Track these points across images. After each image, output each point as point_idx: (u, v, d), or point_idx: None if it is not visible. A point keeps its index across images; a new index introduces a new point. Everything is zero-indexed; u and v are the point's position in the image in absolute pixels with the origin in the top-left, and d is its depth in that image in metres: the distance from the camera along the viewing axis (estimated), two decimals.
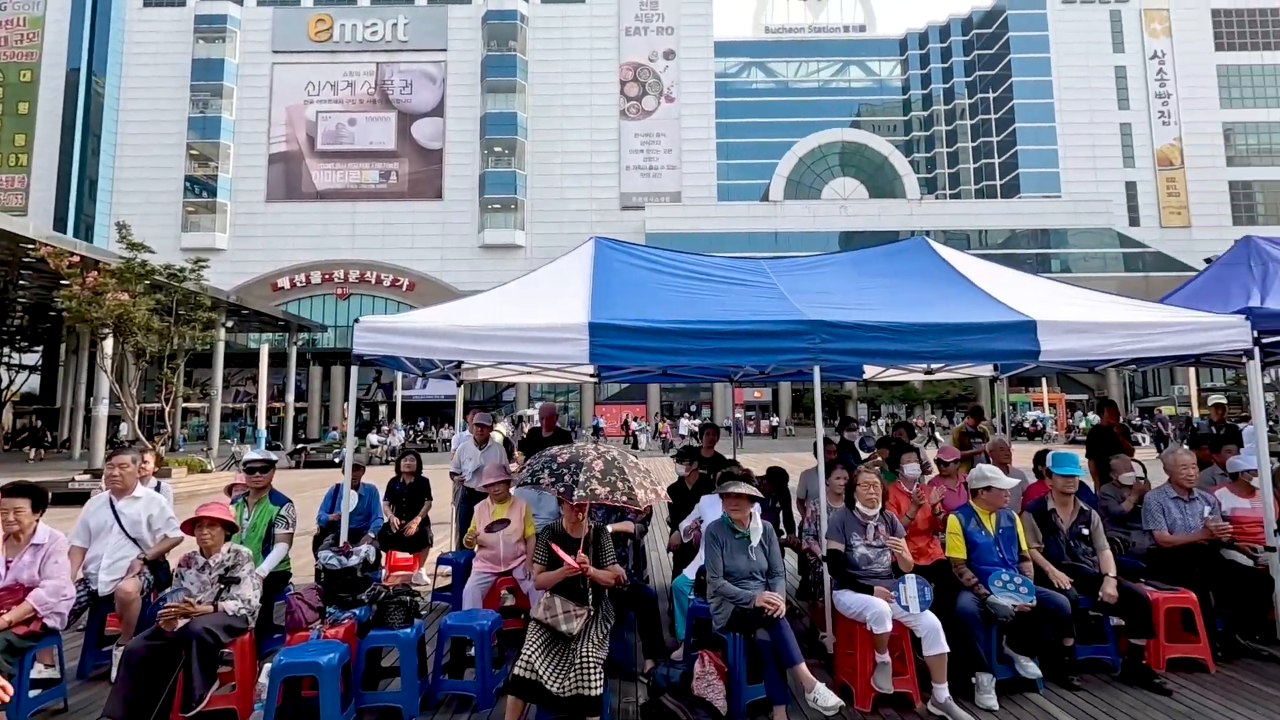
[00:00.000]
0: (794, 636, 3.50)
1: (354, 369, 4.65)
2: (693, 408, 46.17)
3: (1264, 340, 5.01)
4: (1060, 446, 24.31)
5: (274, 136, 51.49)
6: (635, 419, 39.57)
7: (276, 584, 4.65)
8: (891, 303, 5.14)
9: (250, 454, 4.84)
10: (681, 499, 5.75)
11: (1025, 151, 53.49)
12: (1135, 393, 44.96)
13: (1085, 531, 4.42)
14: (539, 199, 51.16)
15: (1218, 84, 53.96)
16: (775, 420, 43.16)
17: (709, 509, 4.96)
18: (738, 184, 55.92)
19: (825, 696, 3.29)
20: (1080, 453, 7.42)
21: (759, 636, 3.55)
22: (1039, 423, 33.66)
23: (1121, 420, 8.61)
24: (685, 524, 5.24)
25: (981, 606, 3.86)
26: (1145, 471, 6.53)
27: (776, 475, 6.00)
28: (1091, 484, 6.50)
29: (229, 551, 3.85)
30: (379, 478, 6.94)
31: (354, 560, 4.19)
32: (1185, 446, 5.72)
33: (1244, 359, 4.82)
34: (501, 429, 6.99)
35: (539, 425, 7.08)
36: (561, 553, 3.48)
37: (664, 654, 4.32)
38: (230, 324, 30.01)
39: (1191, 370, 30.47)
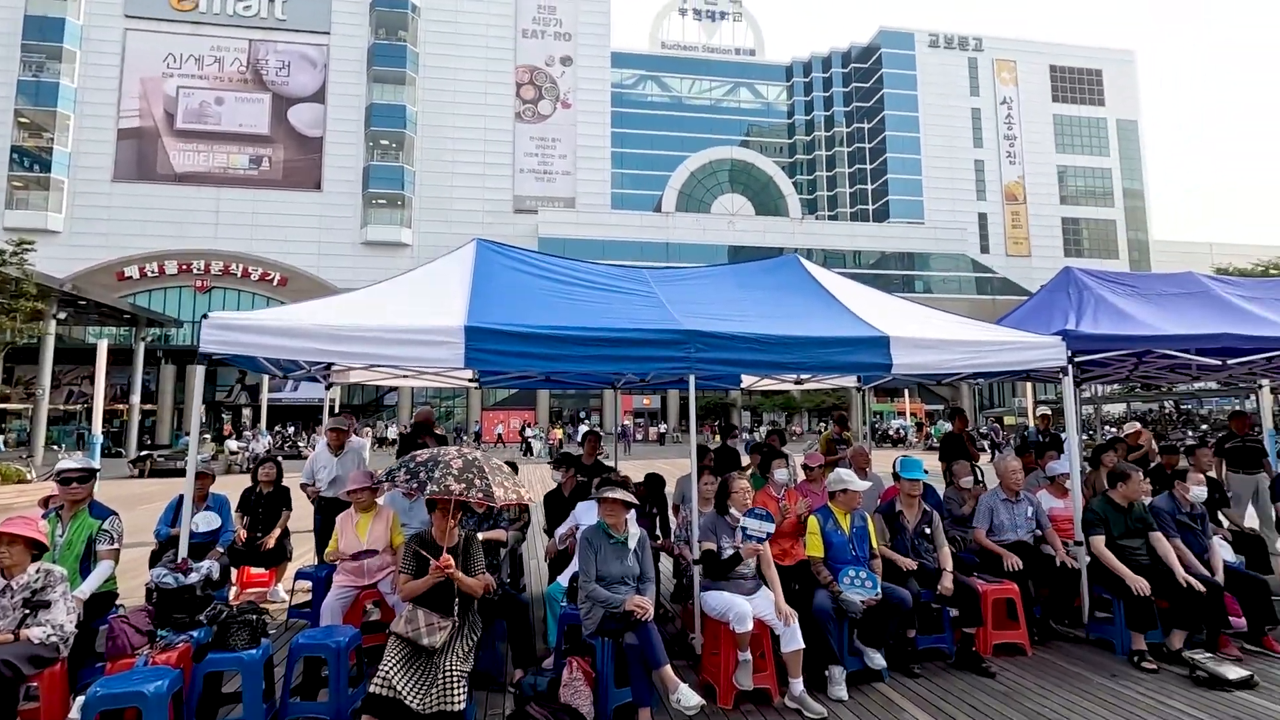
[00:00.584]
0: (660, 639, 3.56)
1: (200, 369, 4.27)
2: (583, 414, 46.16)
3: (1077, 359, 5.72)
4: (919, 453, 26.42)
5: (125, 110, 46.49)
6: (529, 426, 38.99)
7: (101, 606, 4.16)
8: (763, 315, 5.39)
9: (65, 462, 4.30)
10: (559, 506, 5.72)
11: (895, 180, 57.98)
12: (984, 403, 49.61)
13: (927, 531, 4.83)
14: (428, 196, 49.42)
15: (1054, 131, 61.06)
16: (663, 427, 43.95)
17: (585, 516, 4.96)
18: (631, 193, 56.80)
19: (688, 696, 3.37)
20: (934, 458, 8.10)
21: (627, 640, 3.59)
22: (901, 430, 36.40)
23: (969, 429, 9.46)
24: (561, 531, 5.22)
25: (835, 603, 4.11)
26: (983, 476, 7.24)
27: (654, 482, 6.11)
28: (941, 487, 7.11)
29: (37, 572, 3.41)
30: (239, 487, 6.41)
31: (193, 578, 3.84)
32: (1013, 453, 6.36)
33: (1060, 375, 5.46)
34: (361, 438, 6.61)
35: (411, 430, 6.79)
36: (428, 556, 3.37)
37: (535, 663, 4.27)
38: (63, 315, 26.61)
39: (1029, 384, 34.12)
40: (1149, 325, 5.85)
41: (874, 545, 4.45)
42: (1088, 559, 4.93)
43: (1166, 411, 37.57)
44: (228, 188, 46.76)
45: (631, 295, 5.63)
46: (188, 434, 35.40)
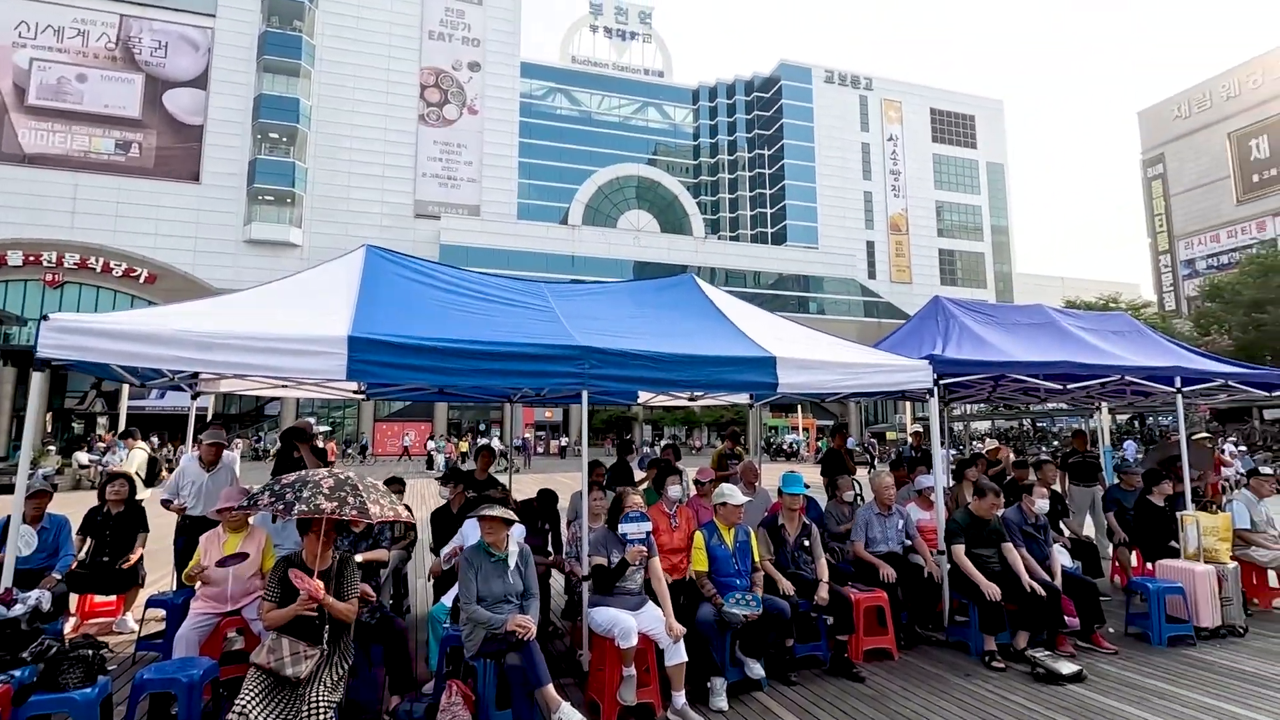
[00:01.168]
0: (543, 659, 3.53)
1: (38, 376, 3.84)
2: (482, 426, 45.08)
3: (943, 381, 6.21)
4: (810, 466, 27.61)
5: None
6: (432, 439, 37.51)
7: None
8: (658, 333, 5.50)
9: None
10: (446, 524, 5.55)
11: (792, 205, 60.86)
12: (869, 419, 52.66)
13: (807, 543, 5.06)
14: (322, 196, 46.94)
15: (933, 169, 66.19)
16: (565, 440, 43.64)
17: (473, 534, 4.85)
18: (538, 204, 56.48)
19: (569, 715, 3.35)
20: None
21: (509, 661, 3.53)
22: (794, 445, 37.97)
23: (851, 444, 9.99)
24: (446, 550, 5.06)
25: (718, 616, 4.22)
26: (861, 490, 7.67)
27: (546, 497, 6.06)
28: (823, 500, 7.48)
29: None
30: (85, 506, 5.78)
31: (17, 610, 3.43)
32: (888, 469, 6.79)
33: (928, 396, 5.90)
34: (232, 452, 6.13)
35: (283, 444, 6.36)
36: (299, 577, 3.17)
37: (415, 689, 4.11)
38: None
39: (908, 402, 36.67)
40: (1004, 352, 6.44)
41: (756, 559, 4.62)
42: (948, 567, 5.33)
43: (1024, 429, 41.33)
44: (88, 173, 42.43)
45: (528, 309, 5.59)
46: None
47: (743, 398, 8.48)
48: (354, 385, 6.62)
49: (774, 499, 6.62)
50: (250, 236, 44.36)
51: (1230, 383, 7.11)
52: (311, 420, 7.69)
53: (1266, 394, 7.87)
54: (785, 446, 38.78)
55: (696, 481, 5.98)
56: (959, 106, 68.46)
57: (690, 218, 58.93)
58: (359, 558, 4.37)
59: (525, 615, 3.62)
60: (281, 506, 3.17)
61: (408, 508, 5.75)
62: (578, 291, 6.49)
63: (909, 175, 64.80)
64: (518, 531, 4.65)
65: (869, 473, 9.41)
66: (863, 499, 6.79)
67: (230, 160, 45.03)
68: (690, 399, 7.98)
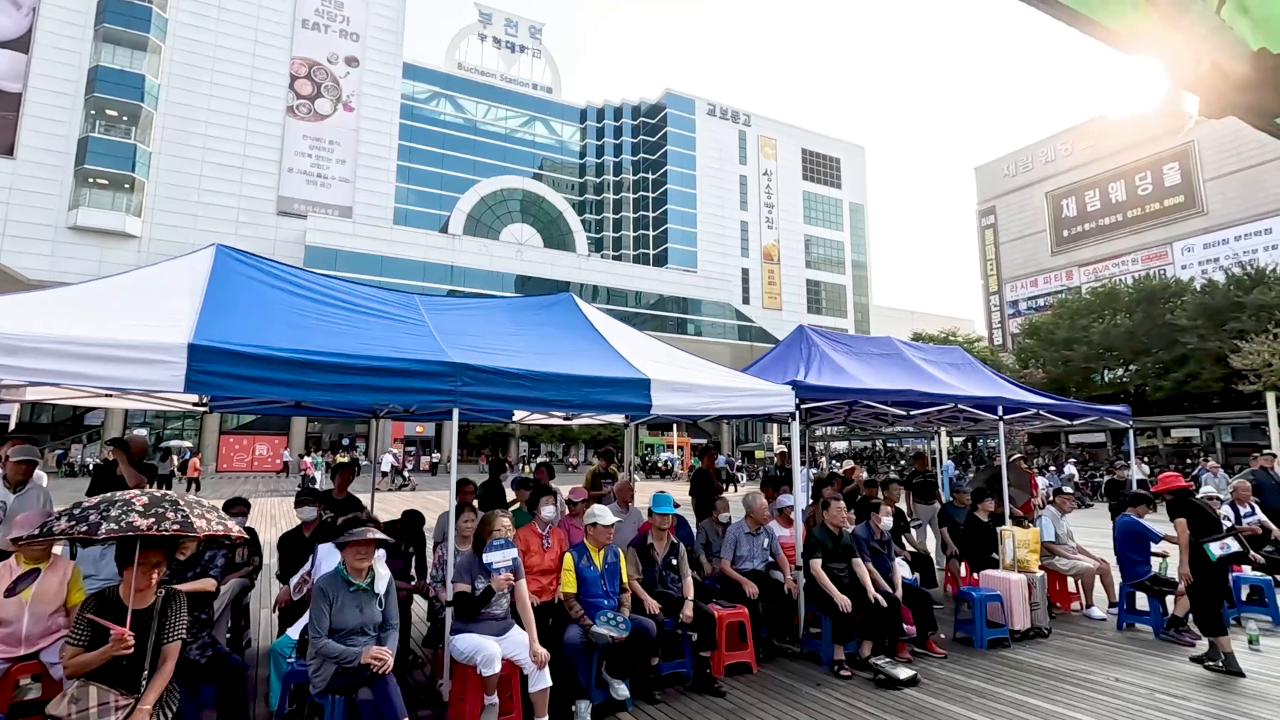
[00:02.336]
0: (399, 692, 3.35)
1: None
2: (345, 441, 42.36)
3: (804, 405, 6.62)
4: (683, 485, 28.20)
5: None
6: (311, 454, 34.36)
7: None
8: (534, 352, 5.45)
9: None
10: (296, 549, 5.15)
11: (673, 229, 62.70)
12: (740, 438, 54.91)
13: (674, 562, 5.18)
14: (169, 185, 42.53)
15: (803, 204, 70.74)
16: (436, 456, 41.91)
17: (328, 560, 4.53)
18: (417, 210, 54.43)
19: None
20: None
21: (360, 696, 3.32)
22: (669, 463, 38.77)
23: (721, 462, 10.33)
24: (296, 578, 4.70)
25: (585, 637, 4.21)
26: (729, 508, 7.94)
27: (411, 519, 5.79)
28: (692, 519, 7.69)
29: None
30: None
31: None
32: (760, 492, 7.10)
33: (790, 419, 6.26)
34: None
35: (113, 459, 5.64)
36: (107, 624, 2.80)
37: None
38: None
39: (775, 423, 38.67)
40: (858, 380, 6.97)
41: (624, 580, 4.66)
42: (804, 581, 5.65)
43: (877, 449, 44.78)
44: None
45: (398, 322, 5.37)
46: None
47: (617, 417, 8.59)
48: (194, 396, 6.04)
49: (646, 518, 6.74)
50: (76, 223, 39.27)
51: (1042, 412, 8.11)
52: (143, 433, 6.88)
53: (1069, 421, 9.04)
54: (660, 465, 39.49)
55: (569, 501, 5.94)
56: (827, 149, 73.83)
57: (574, 234, 59.16)
58: (183, 588, 3.95)
59: (382, 647, 3.42)
60: (85, 529, 2.76)
61: (250, 530, 5.30)
62: (453, 305, 6.31)
63: (781, 209, 68.86)
64: (379, 556, 4.42)
65: (735, 490, 9.76)
66: (731, 517, 7.04)
67: (54, 135, 39.76)
68: (566, 418, 7.95)
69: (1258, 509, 8.54)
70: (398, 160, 51.50)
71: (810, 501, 7.89)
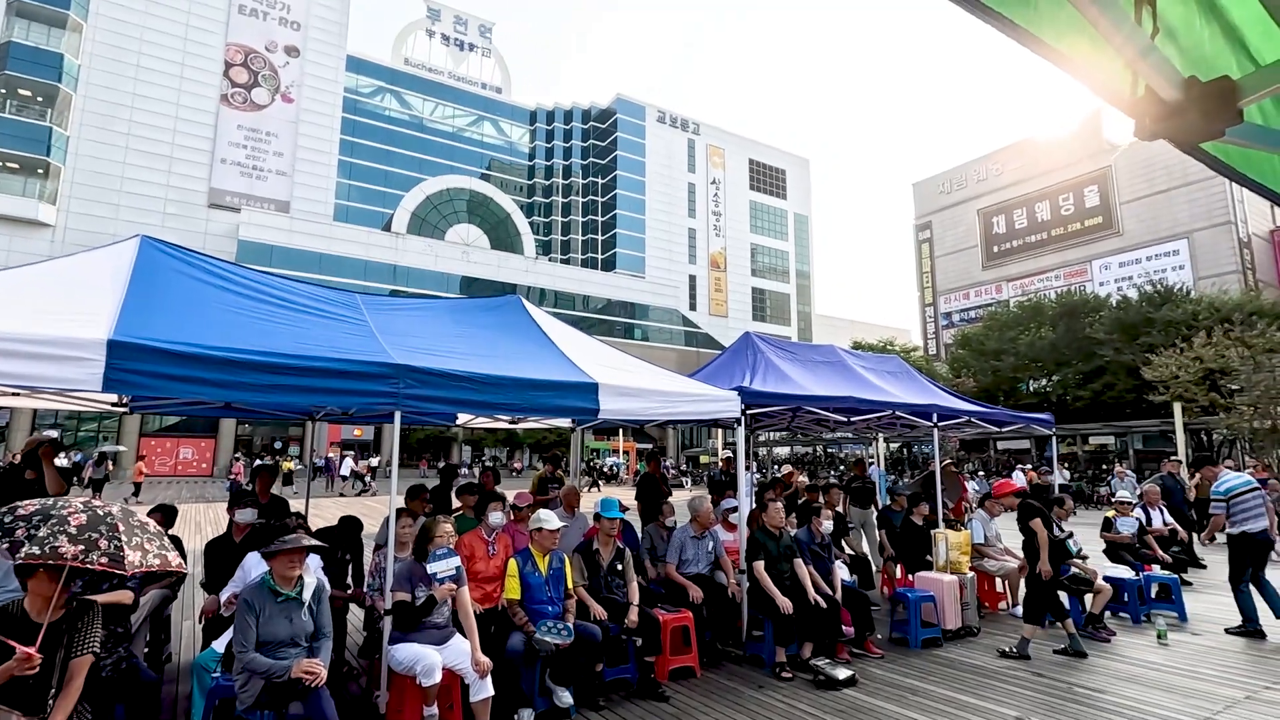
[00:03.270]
0: (333, 705, 3.22)
1: None
2: (278, 443, 40.70)
3: (750, 410, 6.71)
4: (630, 490, 28.26)
5: None
6: (248, 456, 32.79)
7: None
8: (480, 354, 5.37)
9: None
10: (225, 556, 4.91)
11: (622, 235, 62.87)
12: (685, 443, 55.33)
13: (620, 567, 5.17)
14: (89, 172, 40.13)
15: (750, 214, 72.02)
16: (375, 460, 40.69)
17: (257, 567, 4.34)
18: (359, 207, 52.96)
19: None
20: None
21: (291, 711, 3.18)
22: (614, 468, 38.74)
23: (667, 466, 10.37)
24: (227, 592, 4.47)
25: (528, 645, 4.15)
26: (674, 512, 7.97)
27: (349, 525, 5.60)
28: (638, 524, 7.69)
29: None
30: None
31: None
32: (707, 497, 7.16)
33: (735, 424, 6.34)
34: None
35: (20, 463, 5.25)
36: (9, 642, 2.60)
37: None
38: None
39: (720, 428, 39.13)
40: (802, 386, 7.12)
41: (569, 586, 4.62)
42: (747, 584, 5.72)
43: (818, 454, 45.82)
44: None
45: (338, 321, 5.20)
46: None
47: (563, 421, 8.53)
48: (113, 396, 5.70)
49: (592, 523, 6.70)
50: None
51: (973, 419, 8.46)
52: (54, 434, 6.44)
53: (997, 428, 9.46)
54: (606, 469, 39.42)
55: (514, 506, 5.86)
56: (773, 160, 75.41)
57: (522, 236, 58.63)
58: (98, 599, 3.71)
59: (314, 659, 3.28)
60: (7, 545, 2.58)
61: (174, 538, 5.03)
62: (396, 305, 6.14)
63: (729, 217, 69.93)
64: (314, 563, 4.26)
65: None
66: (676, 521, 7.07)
67: None
68: (512, 421, 7.85)
69: (1165, 511, 9.12)
70: (339, 155, 50.03)
71: (754, 506, 8.01)
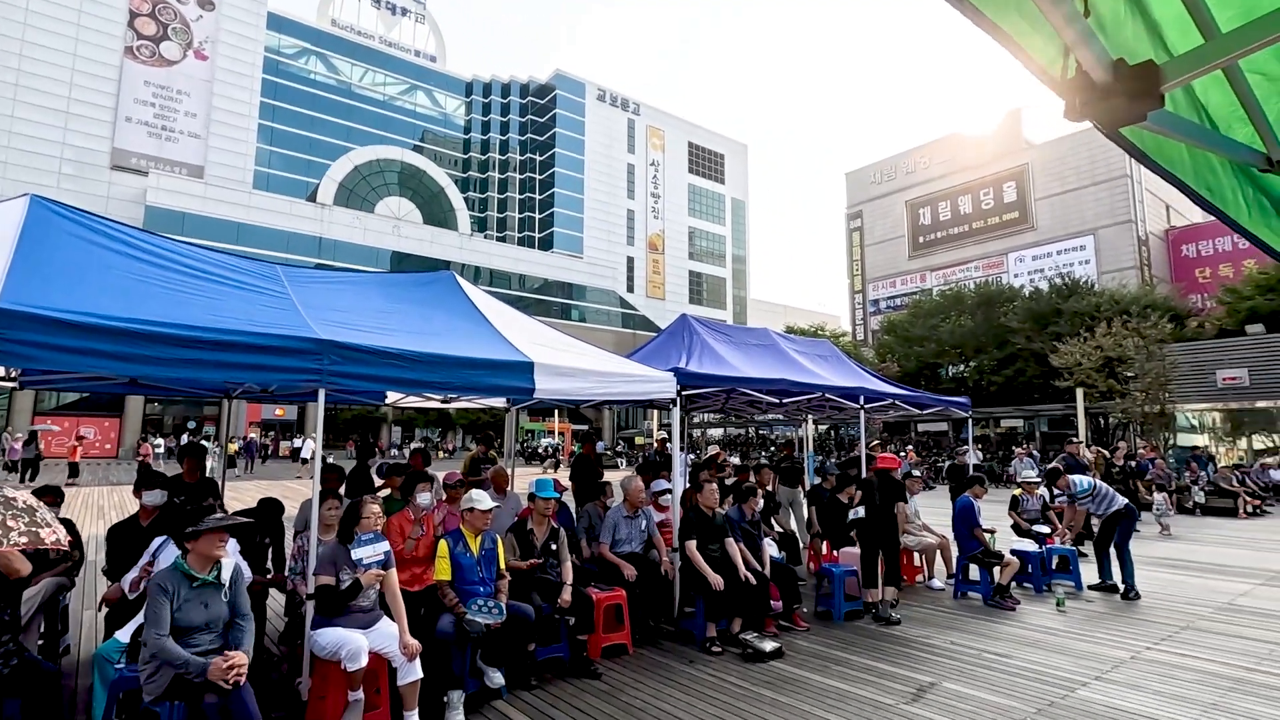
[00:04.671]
0: (252, 693, 3.08)
1: None
2: (191, 423, 38.55)
3: (685, 392, 6.77)
4: (564, 471, 28.22)
5: None
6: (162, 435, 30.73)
7: None
8: (411, 330, 5.20)
9: None
10: (129, 541, 4.61)
11: (560, 214, 62.07)
12: (621, 425, 55.59)
13: (554, 547, 5.14)
14: None
15: (688, 197, 72.33)
16: (298, 442, 39.10)
17: (167, 553, 4.09)
18: (281, 175, 50.23)
19: None
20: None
21: (207, 700, 3.03)
22: (549, 449, 38.54)
23: (601, 448, 10.37)
24: (131, 575, 4.20)
25: (458, 626, 4.09)
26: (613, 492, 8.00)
27: (269, 507, 5.35)
28: (573, 504, 7.68)
29: None
30: None
31: None
32: (637, 475, 7.20)
33: (671, 405, 6.38)
34: None
35: None
36: None
37: None
38: None
39: (655, 409, 39.44)
40: (736, 369, 7.23)
41: (501, 566, 4.56)
42: (680, 562, 5.81)
43: (750, 436, 46.92)
44: None
45: (257, 293, 4.92)
46: None
47: (498, 401, 8.39)
48: None
49: (525, 504, 6.64)
50: None
51: (898, 402, 8.81)
52: None
53: (919, 411, 9.89)
54: (541, 451, 39.18)
55: (445, 485, 5.73)
56: (713, 144, 75.84)
57: (456, 212, 57.08)
58: None
59: (235, 652, 3.11)
60: None
61: (67, 521, 4.69)
62: (322, 278, 5.87)
63: (667, 200, 70.04)
64: (231, 546, 4.05)
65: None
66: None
67: None
68: (444, 401, 7.67)
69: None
70: (259, 119, 47.31)
71: (688, 486, 8.13)
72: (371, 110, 57.41)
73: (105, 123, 40.70)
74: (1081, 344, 25.47)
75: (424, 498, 5.03)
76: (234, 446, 30.47)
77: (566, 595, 4.83)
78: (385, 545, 3.83)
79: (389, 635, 3.73)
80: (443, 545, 4.37)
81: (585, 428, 51.78)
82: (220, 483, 7.12)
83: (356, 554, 3.70)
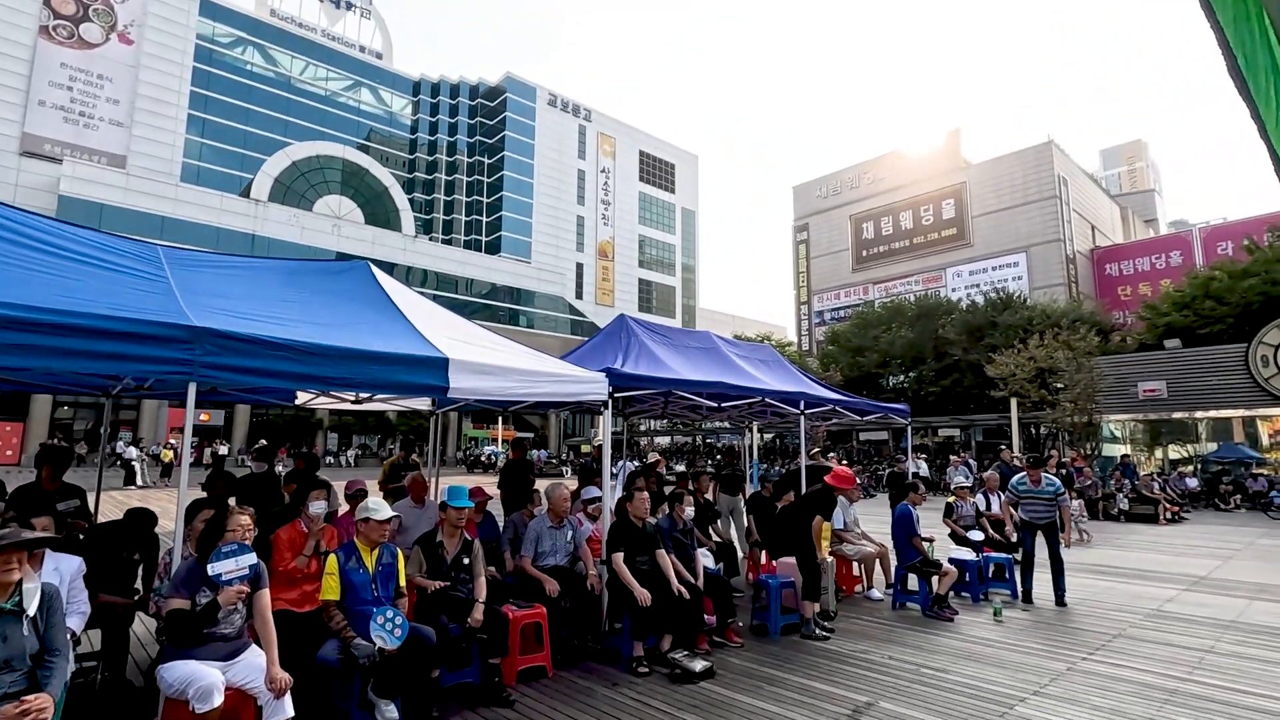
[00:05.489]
0: None
1: None
2: (104, 429, 36.00)
3: (619, 394, 6.41)
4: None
5: None
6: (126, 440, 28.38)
7: None
8: (311, 321, 4.69)
9: None
10: None
11: (508, 218, 61.09)
12: (568, 432, 54.83)
13: (466, 561, 4.68)
14: None
15: (639, 205, 72.33)
16: (224, 448, 37.08)
17: None
18: (213, 169, 47.86)
19: None
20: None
21: None
22: (492, 456, 37.62)
23: (546, 455, 9.89)
24: None
25: (345, 653, 3.60)
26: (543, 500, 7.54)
27: (138, 519, 4.72)
28: (500, 513, 7.20)
29: None
30: None
31: None
32: (564, 483, 6.79)
33: (602, 408, 6.00)
34: None
35: None
36: None
37: None
38: None
39: (600, 415, 38.90)
40: (674, 370, 6.90)
41: (401, 583, 4.09)
42: (607, 576, 5.41)
43: (696, 444, 46.90)
44: None
45: (127, 275, 4.35)
46: None
47: (420, 403, 7.87)
48: None
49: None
50: None
51: (838, 408, 8.65)
52: None
53: (860, 417, 9.78)
54: (484, 458, 38.19)
55: (346, 495, 5.21)
56: (663, 154, 76.13)
57: (401, 213, 55.57)
58: None
59: (40, 694, 2.56)
60: None
61: None
62: (213, 263, 5.28)
63: (618, 207, 69.88)
64: (69, 566, 3.48)
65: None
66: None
67: None
68: (355, 400, 7.10)
69: (1001, 496, 9.82)
70: (190, 109, 45.05)
71: (624, 494, 7.76)
72: (312, 105, 55.34)
73: (15, 105, 37.97)
74: (1015, 355, 26.26)
75: (317, 506, 4.50)
76: (169, 454, 28.60)
77: (478, 614, 4.37)
78: (251, 558, 3.31)
79: (256, 668, 3.22)
80: (331, 561, 3.87)
81: (530, 435, 50.88)
82: (97, 492, 6.39)
83: (214, 568, 3.18)
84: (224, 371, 3.81)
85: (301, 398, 7.11)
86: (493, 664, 4.44)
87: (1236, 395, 24.09)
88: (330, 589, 3.79)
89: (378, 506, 4.02)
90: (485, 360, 5.06)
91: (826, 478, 6.45)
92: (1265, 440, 26.08)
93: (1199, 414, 25.77)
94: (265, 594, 3.39)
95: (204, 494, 5.32)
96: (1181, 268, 39.08)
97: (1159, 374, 26.04)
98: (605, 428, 5.99)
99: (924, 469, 25.26)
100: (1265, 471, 21.99)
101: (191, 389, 3.85)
